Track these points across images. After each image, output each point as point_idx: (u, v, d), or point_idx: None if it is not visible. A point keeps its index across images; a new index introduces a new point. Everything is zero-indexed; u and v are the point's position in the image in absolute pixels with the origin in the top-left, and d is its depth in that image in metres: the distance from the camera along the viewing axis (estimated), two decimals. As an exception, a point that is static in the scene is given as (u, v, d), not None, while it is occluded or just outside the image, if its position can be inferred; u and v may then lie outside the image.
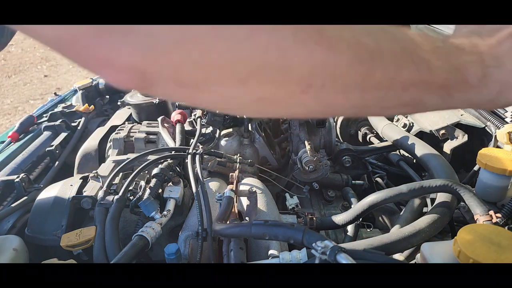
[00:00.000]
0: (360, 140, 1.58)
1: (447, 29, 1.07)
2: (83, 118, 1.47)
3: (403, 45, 0.31)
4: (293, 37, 0.26)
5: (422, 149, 1.03)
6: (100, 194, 0.82)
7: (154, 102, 1.33)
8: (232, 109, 0.32)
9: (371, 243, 0.69)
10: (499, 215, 0.69)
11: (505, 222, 0.68)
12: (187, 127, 1.21)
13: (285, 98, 0.29)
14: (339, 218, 0.83)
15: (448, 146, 1.15)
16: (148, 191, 0.81)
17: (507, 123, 0.97)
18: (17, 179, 0.99)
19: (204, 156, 0.93)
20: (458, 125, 1.12)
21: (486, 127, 1.02)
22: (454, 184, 0.75)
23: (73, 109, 1.48)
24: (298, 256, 0.61)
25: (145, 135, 1.13)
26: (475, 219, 0.71)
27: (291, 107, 0.30)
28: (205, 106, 0.32)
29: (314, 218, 0.82)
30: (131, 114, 1.42)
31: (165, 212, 0.78)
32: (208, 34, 0.24)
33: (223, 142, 1.07)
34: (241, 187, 0.84)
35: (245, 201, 0.80)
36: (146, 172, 0.92)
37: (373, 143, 1.43)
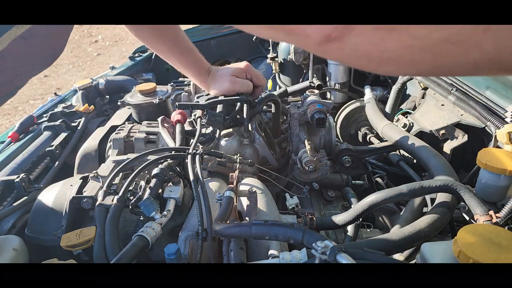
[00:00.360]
0: (360, 140, 1.58)
1: None
2: (83, 118, 1.47)
3: None
4: None
5: (422, 149, 1.03)
6: (100, 194, 0.81)
7: (154, 102, 1.33)
8: (416, 53, 0.32)
9: (371, 243, 0.70)
10: (499, 215, 0.69)
11: (505, 222, 0.68)
12: (187, 127, 1.20)
13: (468, 36, 0.29)
14: (339, 218, 0.83)
15: (448, 146, 1.15)
16: (148, 191, 0.81)
17: (507, 123, 0.97)
18: (17, 179, 0.99)
19: (204, 156, 0.93)
20: (458, 125, 1.12)
21: (486, 127, 1.02)
22: (454, 184, 0.75)
23: (73, 109, 1.48)
24: (298, 256, 0.61)
25: (145, 135, 1.13)
26: (475, 219, 0.71)
27: (469, 48, 0.30)
28: (390, 50, 0.32)
29: (314, 218, 0.82)
30: (131, 114, 1.42)
31: (165, 212, 0.78)
32: None
33: (223, 142, 1.07)
34: (241, 187, 0.84)
35: (245, 201, 0.80)
36: (146, 172, 0.92)
37: (373, 143, 1.44)
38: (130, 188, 0.83)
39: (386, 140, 1.25)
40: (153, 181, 0.83)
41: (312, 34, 0.33)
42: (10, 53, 0.71)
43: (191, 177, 0.79)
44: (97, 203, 0.80)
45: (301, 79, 1.92)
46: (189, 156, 0.85)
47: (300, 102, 1.19)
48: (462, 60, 0.31)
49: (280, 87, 1.93)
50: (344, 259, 0.47)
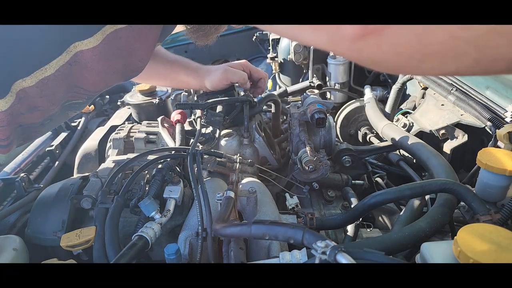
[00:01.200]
0: (360, 140, 1.58)
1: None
2: (83, 118, 1.47)
3: None
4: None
5: (422, 149, 1.03)
6: (100, 194, 0.82)
7: (154, 102, 1.33)
8: (461, 45, 0.30)
9: (371, 243, 0.70)
10: (499, 215, 0.69)
11: (505, 222, 0.68)
12: (187, 127, 1.20)
13: None
14: (339, 218, 0.83)
15: (448, 146, 1.15)
16: (148, 191, 0.81)
17: (507, 123, 0.97)
18: (17, 179, 0.99)
19: (204, 156, 0.93)
20: (458, 125, 1.12)
21: (486, 127, 1.02)
22: (454, 184, 0.75)
23: (73, 109, 1.48)
24: (298, 256, 0.61)
25: (145, 135, 1.13)
26: (475, 219, 0.71)
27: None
28: (435, 42, 0.29)
29: (314, 218, 0.82)
30: (131, 114, 1.42)
31: (165, 212, 0.78)
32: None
33: (223, 142, 1.07)
34: (241, 187, 0.84)
35: (245, 201, 0.80)
36: (146, 172, 0.92)
37: (373, 143, 1.44)
38: (130, 188, 0.83)
39: (386, 140, 1.25)
40: (153, 181, 0.83)
41: (345, 27, 0.30)
42: (55, 78, 0.72)
43: (191, 177, 0.79)
44: (97, 203, 0.80)
45: (301, 79, 1.92)
46: (189, 156, 0.85)
47: (300, 102, 1.20)
48: (504, 53, 0.30)
49: (280, 87, 1.93)
50: (344, 259, 0.47)
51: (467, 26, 0.28)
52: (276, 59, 1.95)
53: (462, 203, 0.78)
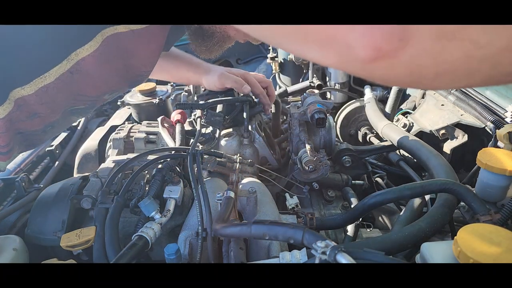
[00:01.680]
0: (360, 140, 1.58)
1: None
2: (83, 118, 1.47)
3: None
4: None
5: (422, 149, 1.03)
6: (100, 194, 0.81)
7: (154, 102, 1.33)
8: (475, 63, 0.29)
9: (371, 243, 0.70)
10: (499, 215, 0.69)
11: (505, 222, 0.68)
12: (187, 127, 1.20)
13: None
14: (339, 218, 0.83)
15: (448, 146, 1.15)
16: (148, 191, 0.81)
17: (507, 123, 0.97)
18: (17, 179, 0.99)
19: (204, 156, 0.93)
20: (458, 125, 1.12)
21: (486, 127, 1.02)
22: (454, 184, 0.75)
23: (73, 109, 1.48)
24: (298, 256, 0.61)
25: (145, 135, 1.13)
26: (475, 219, 0.71)
27: None
28: (449, 61, 0.28)
29: (314, 218, 0.82)
30: (131, 114, 1.42)
31: (165, 212, 0.78)
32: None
33: (223, 142, 1.07)
34: (241, 187, 0.84)
35: (245, 201, 0.80)
36: (146, 172, 0.92)
37: (373, 143, 1.44)
38: (130, 188, 0.83)
39: (386, 140, 1.25)
40: (153, 181, 0.83)
41: (356, 46, 0.28)
42: (55, 86, 0.72)
43: (191, 177, 0.79)
44: (97, 203, 0.80)
45: (301, 79, 1.92)
46: (189, 156, 0.85)
47: (300, 102, 1.20)
48: None
49: (280, 87, 1.93)
50: (344, 259, 0.47)
51: (484, 44, 0.28)
52: (276, 59, 1.95)
53: (462, 203, 0.78)
